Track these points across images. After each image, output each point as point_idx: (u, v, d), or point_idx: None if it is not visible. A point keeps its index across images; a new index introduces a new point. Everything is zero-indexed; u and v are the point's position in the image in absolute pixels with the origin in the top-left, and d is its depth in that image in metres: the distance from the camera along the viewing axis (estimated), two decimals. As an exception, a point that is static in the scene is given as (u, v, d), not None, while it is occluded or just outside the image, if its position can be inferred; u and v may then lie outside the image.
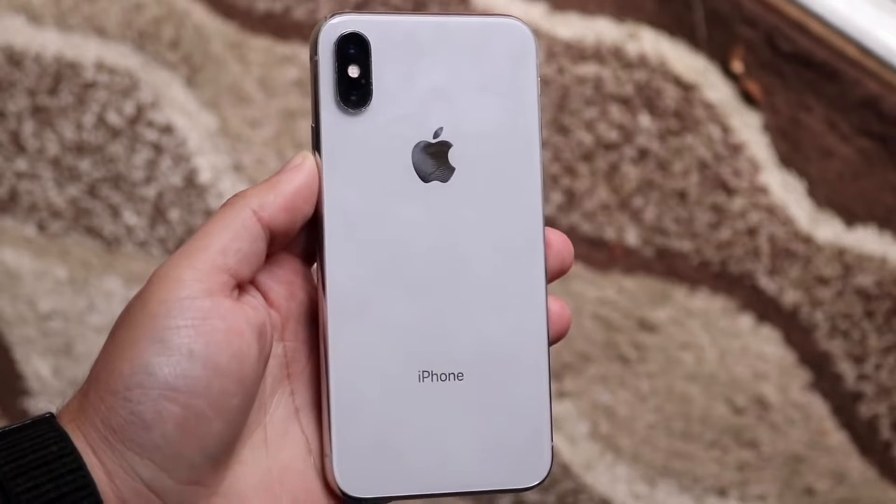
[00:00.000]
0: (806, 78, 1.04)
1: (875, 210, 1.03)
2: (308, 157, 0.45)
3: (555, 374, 0.98)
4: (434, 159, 0.46)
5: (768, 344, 1.00)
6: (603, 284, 1.01)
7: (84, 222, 1.00)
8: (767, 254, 1.02)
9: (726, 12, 1.05)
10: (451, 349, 0.45)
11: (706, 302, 1.01)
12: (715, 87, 1.04)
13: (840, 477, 0.98)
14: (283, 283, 0.45)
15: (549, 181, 1.01)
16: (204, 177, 1.01)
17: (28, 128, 1.01)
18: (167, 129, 1.02)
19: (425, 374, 0.45)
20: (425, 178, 0.46)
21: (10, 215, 1.00)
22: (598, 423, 0.98)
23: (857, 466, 0.99)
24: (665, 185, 1.02)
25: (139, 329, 0.41)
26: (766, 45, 1.05)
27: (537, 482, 0.46)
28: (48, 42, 1.03)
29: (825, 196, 1.03)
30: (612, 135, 1.03)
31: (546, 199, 1.00)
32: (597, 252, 1.01)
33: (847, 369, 1.00)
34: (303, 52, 1.04)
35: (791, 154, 1.03)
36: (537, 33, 0.96)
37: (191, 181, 1.01)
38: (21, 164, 1.01)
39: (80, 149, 1.01)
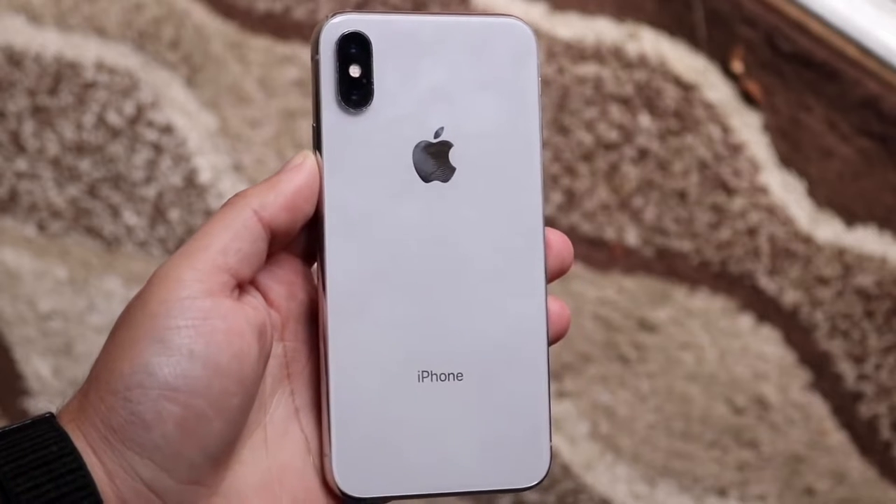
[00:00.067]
0: (806, 78, 1.04)
1: (875, 210, 1.03)
2: (309, 157, 0.45)
3: (555, 374, 0.98)
4: (435, 159, 0.46)
5: (768, 344, 1.00)
6: (603, 284, 1.01)
7: (84, 222, 1.00)
8: (767, 254, 1.02)
9: (726, 12, 1.05)
10: (450, 349, 0.45)
11: (706, 302, 1.01)
12: (715, 87, 1.04)
13: (840, 477, 0.98)
14: (284, 283, 0.45)
15: (549, 181, 1.01)
16: (204, 177, 1.01)
17: (28, 128, 1.01)
18: (167, 129, 1.02)
19: (425, 374, 0.45)
20: (426, 178, 0.46)
21: (10, 215, 1.00)
22: (598, 423, 0.98)
23: (857, 466, 0.99)
24: (665, 185, 1.02)
25: (139, 329, 0.41)
26: (766, 45, 1.05)
27: (536, 482, 0.46)
28: (48, 42, 1.03)
29: (825, 196, 1.03)
30: (612, 135, 1.03)
31: (546, 199, 1.00)
32: (597, 252, 1.01)
33: (847, 369, 1.00)
34: (303, 52, 1.04)
35: (791, 154, 1.03)
36: (537, 33, 0.97)
37: (191, 181, 1.01)
38: (21, 164, 1.01)
39: (80, 149, 1.01)
